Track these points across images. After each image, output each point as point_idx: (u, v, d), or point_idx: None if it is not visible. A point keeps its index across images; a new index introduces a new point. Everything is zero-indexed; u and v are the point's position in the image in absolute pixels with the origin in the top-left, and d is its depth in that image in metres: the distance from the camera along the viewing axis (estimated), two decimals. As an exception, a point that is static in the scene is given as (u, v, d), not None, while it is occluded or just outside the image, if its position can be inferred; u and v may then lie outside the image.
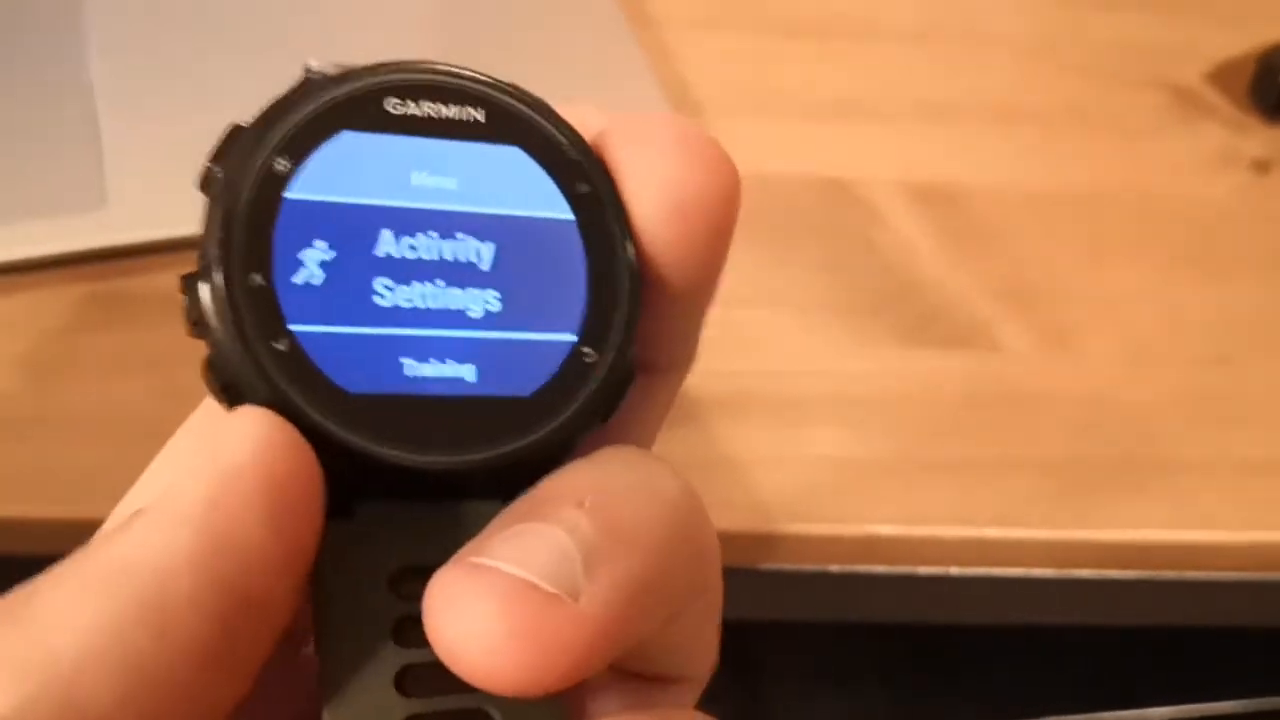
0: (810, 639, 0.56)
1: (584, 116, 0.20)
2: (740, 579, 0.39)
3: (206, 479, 0.16)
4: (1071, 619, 0.42)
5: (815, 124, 0.50)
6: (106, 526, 0.17)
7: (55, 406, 0.38)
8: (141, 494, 0.18)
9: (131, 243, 0.40)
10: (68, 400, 0.38)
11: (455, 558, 0.16)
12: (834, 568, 0.39)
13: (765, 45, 0.53)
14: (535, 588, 0.15)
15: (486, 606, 0.15)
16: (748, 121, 0.49)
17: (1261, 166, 0.51)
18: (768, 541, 0.38)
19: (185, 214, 0.44)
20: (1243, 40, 0.55)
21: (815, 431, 0.40)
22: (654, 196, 0.18)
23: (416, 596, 0.17)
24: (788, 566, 0.39)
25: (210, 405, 0.18)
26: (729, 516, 0.38)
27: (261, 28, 0.48)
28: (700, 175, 0.18)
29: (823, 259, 0.45)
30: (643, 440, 0.21)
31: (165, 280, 0.40)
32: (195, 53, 0.46)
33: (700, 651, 0.19)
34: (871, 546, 0.38)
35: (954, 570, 0.39)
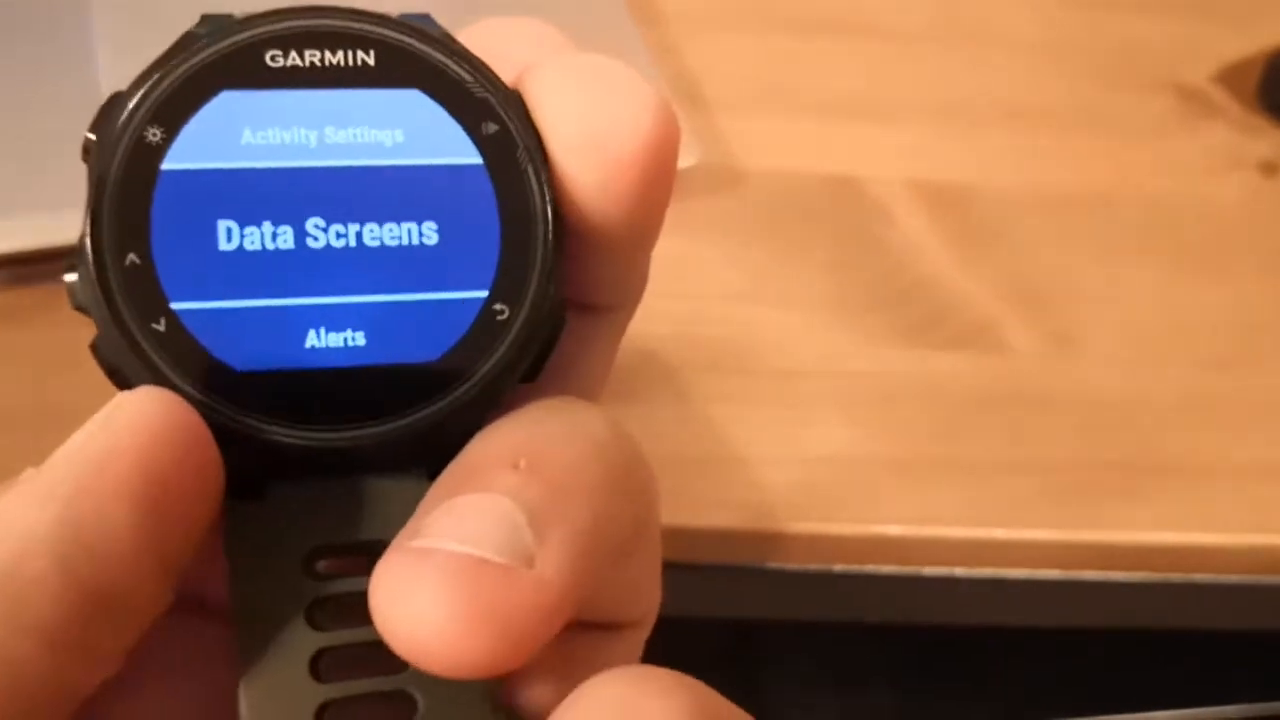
0: (814, 638, 0.56)
1: (525, 34, 0.19)
2: (744, 577, 0.39)
3: (78, 461, 0.15)
4: (1077, 620, 0.41)
5: (824, 122, 0.50)
6: None
7: (56, 401, 0.38)
8: None
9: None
10: (69, 395, 0.38)
11: (396, 541, 0.15)
12: (839, 567, 0.39)
13: (774, 43, 0.52)
14: (488, 563, 0.15)
15: (441, 591, 0.14)
16: (756, 119, 0.49)
17: (1269, 168, 0.51)
18: (772, 540, 0.38)
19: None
20: (1251, 41, 0.55)
21: (821, 430, 0.40)
22: (569, 129, 0.17)
23: (331, 577, 0.16)
24: (792, 566, 0.39)
25: None
26: (734, 514, 0.38)
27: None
28: (619, 108, 0.17)
29: (831, 257, 0.45)
30: (591, 381, 0.20)
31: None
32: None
33: (645, 592, 0.19)
34: (877, 546, 0.38)
35: (959, 571, 0.39)
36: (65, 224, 0.40)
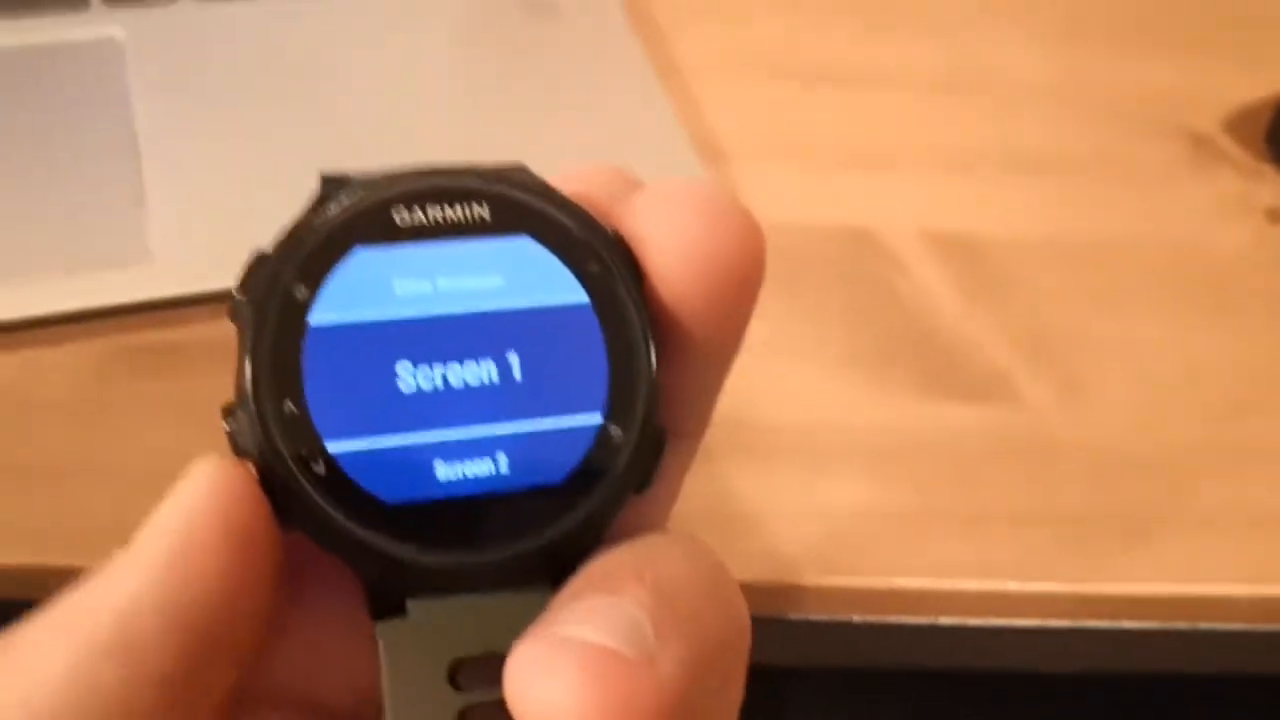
0: (834, 685, 0.57)
1: (599, 179, 0.20)
2: (766, 628, 0.40)
3: (169, 527, 0.17)
4: (1087, 667, 0.42)
5: (838, 172, 0.51)
6: None
7: (97, 457, 0.39)
8: None
9: (174, 296, 0.41)
10: (109, 451, 0.39)
11: (532, 630, 0.17)
12: (857, 618, 0.40)
13: (790, 94, 0.54)
14: (619, 654, 0.16)
15: (574, 676, 0.16)
16: (772, 169, 0.50)
17: (1276, 215, 0.51)
18: (793, 593, 0.39)
19: (228, 268, 0.45)
20: (1259, 87, 0.56)
21: (837, 483, 0.41)
22: (674, 259, 0.19)
23: (475, 687, 0.18)
24: (812, 616, 0.40)
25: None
26: (754, 567, 0.39)
27: (304, 83, 0.49)
28: (721, 237, 0.19)
29: (846, 308, 0.46)
30: (664, 502, 0.21)
31: (207, 333, 0.42)
32: (239, 107, 0.47)
33: (734, 695, 0.20)
34: (894, 599, 0.39)
35: (974, 621, 0.40)
36: (104, 284, 0.41)
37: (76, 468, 0.39)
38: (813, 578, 0.39)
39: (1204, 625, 0.40)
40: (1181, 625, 0.40)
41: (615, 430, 0.19)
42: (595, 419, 0.19)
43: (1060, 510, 0.41)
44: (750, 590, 0.40)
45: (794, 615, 0.40)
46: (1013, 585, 0.39)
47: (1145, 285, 0.49)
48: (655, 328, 0.19)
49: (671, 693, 0.16)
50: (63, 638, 0.16)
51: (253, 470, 0.18)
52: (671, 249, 0.19)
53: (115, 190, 0.44)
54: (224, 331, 0.44)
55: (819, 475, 0.41)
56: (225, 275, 0.42)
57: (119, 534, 0.38)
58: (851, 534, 0.40)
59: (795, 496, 0.41)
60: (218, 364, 0.40)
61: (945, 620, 0.40)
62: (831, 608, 0.40)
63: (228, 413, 0.18)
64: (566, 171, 0.20)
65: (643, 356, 0.19)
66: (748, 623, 0.19)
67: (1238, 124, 0.55)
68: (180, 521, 0.17)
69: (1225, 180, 0.53)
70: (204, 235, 0.42)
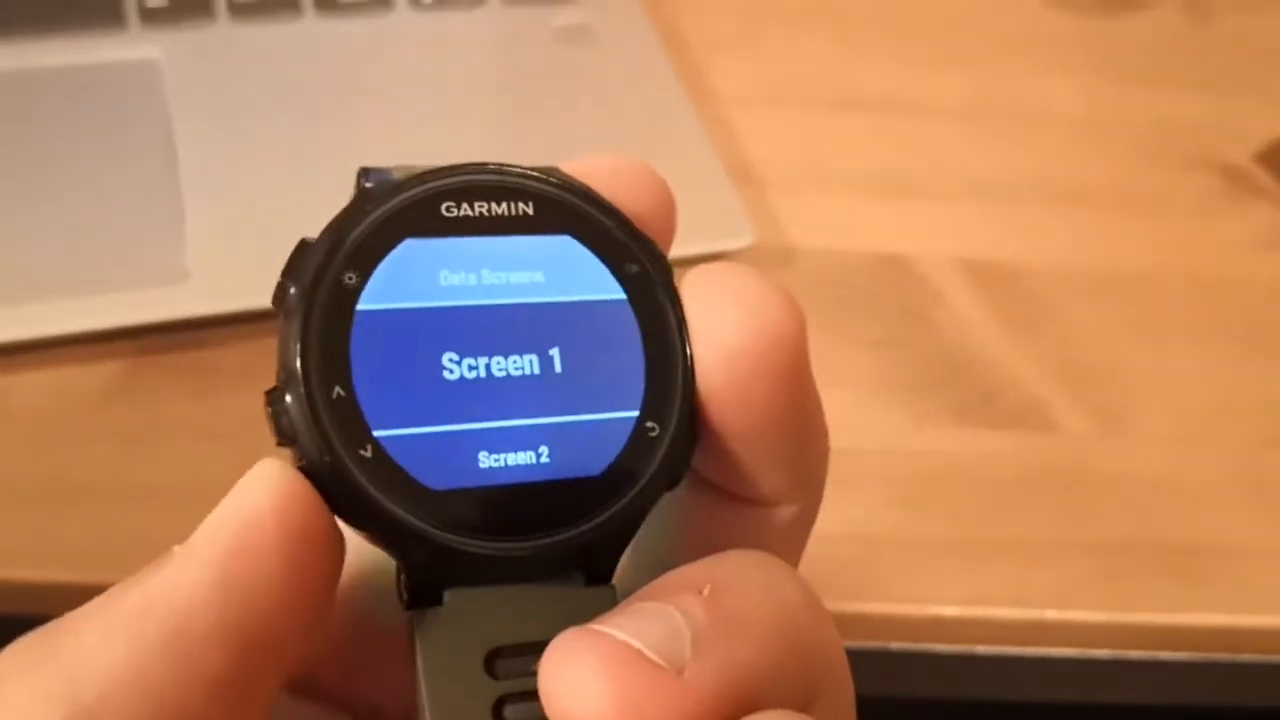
0: (867, 715, 0.56)
1: (638, 181, 0.21)
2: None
3: (226, 529, 0.17)
4: (1126, 698, 0.42)
5: (873, 200, 0.51)
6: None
7: (136, 476, 0.39)
8: None
9: (213, 314, 0.41)
10: (148, 470, 0.39)
11: (574, 627, 0.17)
12: (894, 645, 0.39)
13: (825, 121, 0.54)
14: (641, 655, 0.16)
15: (594, 667, 0.16)
16: (807, 197, 0.50)
17: (1312, 248, 0.51)
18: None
19: (266, 286, 0.45)
20: (1292, 120, 0.56)
21: (873, 509, 0.41)
22: (709, 348, 0.19)
23: (512, 675, 0.18)
24: (847, 644, 0.39)
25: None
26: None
27: (341, 104, 0.49)
28: (753, 327, 0.19)
29: (881, 335, 0.46)
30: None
31: (245, 351, 0.42)
32: (276, 128, 0.47)
33: None
34: (931, 626, 0.39)
35: (1012, 650, 0.39)
36: (142, 302, 0.41)
37: (112, 485, 0.39)
38: (847, 604, 0.39)
39: (1245, 657, 0.40)
40: (1222, 657, 0.40)
41: (652, 426, 0.19)
42: (633, 414, 0.19)
43: (1098, 540, 0.41)
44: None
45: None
46: (1051, 613, 0.39)
47: (1180, 316, 0.49)
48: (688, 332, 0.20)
49: (692, 706, 0.16)
50: (116, 635, 0.16)
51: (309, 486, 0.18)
52: (705, 337, 0.19)
53: (154, 209, 0.44)
54: (260, 351, 0.44)
55: (854, 501, 0.41)
56: (263, 294, 0.42)
57: (153, 551, 0.38)
58: (887, 560, 0.40)
59: (830, 521, 0.40)
60: (253, 383, 0.40)
61: (982, 649, 0.39)
62: (867, 635, 0.39)
63: (272, 396, 0.18)
64: (588, 163, 0.21)
65: (679, 356, 0.20)
66: (834, 657, 0.19)
67: (1271, 157, 0.55)
68: (238, 521, 0.17)
69: (1260, 213, 0.53)
70: (242, 254, 0.43)
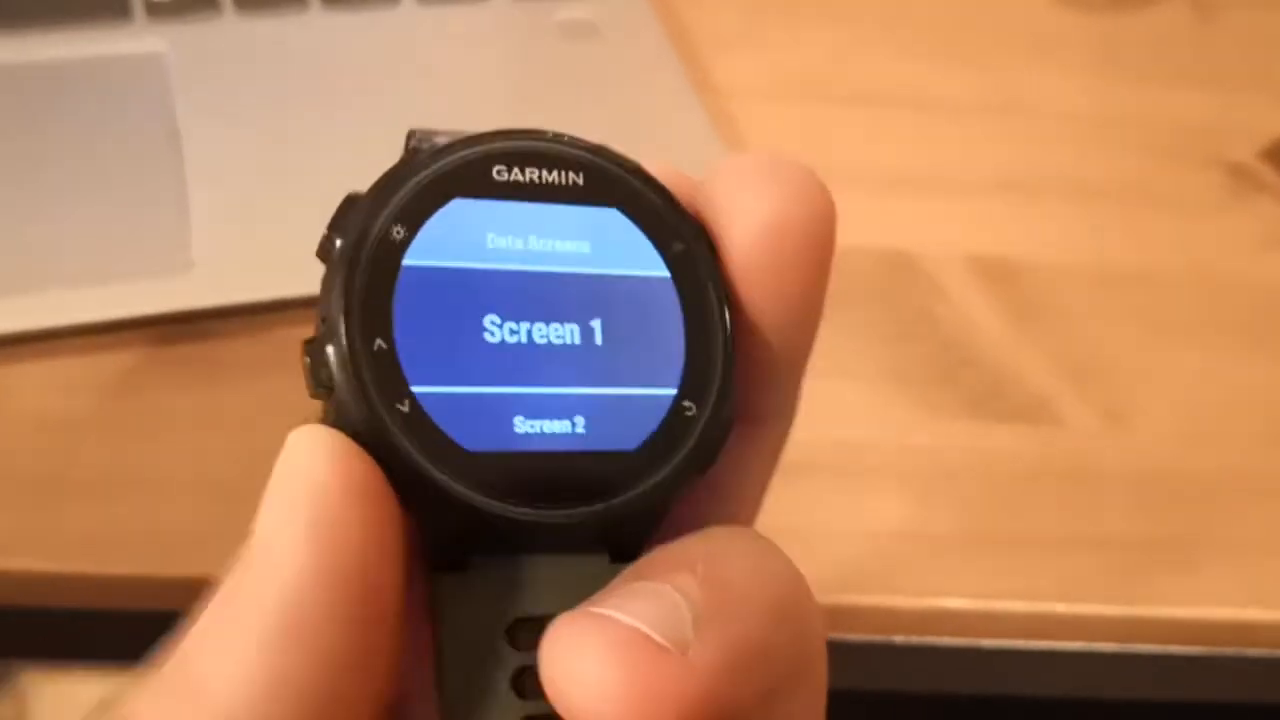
0: (874, 708, 0.56)
1: (673, 174, 0.21)
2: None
3: (302, 499, 0.16)
4: (1132, 693, 0.42)
5: (880, 196, 0.51)
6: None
7: (140, 467, 0.39)
8: None
9: (217, 305, 0.41)
10: (152, 461, 0.39)
11: (576, 609, 0.17)
12: (899, 639, 0.39)
13: (831, 117, 0.54)
14: (648, 638, 0.16)
15: (600, 652, 0.16)
16: (811, 193, 0.50)
17: (1318, 245, 0.51)
18: (833, 612, 0.39)
19: (271, 278, 0.45)
20: (1298, 118, 0.56)
21: (879, 503, 0.41)
22: (748, 229, 0.19)
23: (532, 646, 0.17)
24: (852, 637, 0.39)
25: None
26: (796, 586, 0.38)
27: (346, 98, 0.49)
28: (792, 203, 0.19)
29: (887, 331, 0.46)
30: (751, 492, 0.22)
31: (250, 343, 0.42)
32: (281, 121, 0.47)
33: None
34: (936, 620, 0.39)
35: (1019, 643, 0.39)
36: (147, 293, 0.41)
37: (117, 476, 0.39)
38: (852, 597, 0.39)
39: (1253, 651, 0.40)
40: (1230, 651, 0.40)
41: (689, 405, 0.19)
42: (670, 392, 0.19)
43: (1105, 534, 0.41)
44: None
45: (834, 636, 0.39)
46: (1059, 607, 0.39)
47: (1186, 312, 0.49)
48: (733, 311, 0.20)
49: (700, 685, 0.16)
50: (238, 644, 0.16)
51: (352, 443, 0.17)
52: (742, 219, 0.19)
53: (159, 201, 0.44)
54: (265, 342, 0.44)
55: (861, 495, 0.41)
56: (268, 285, 0.43)
57: (156, 542, 0.38)
58: (893, 554, 0.40)
59: (837, 516, 0.40)
60: (258, 375, 0.40)
61: (988, 643, 0.39)
62: (872, 628, 0.39)
63: (311, 347, 0.18)
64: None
65: (719, 337, 0.19)
66: (817, 635, 0.19)
67: (1277, 154, 0.55)
68: (309, 492, 0.17)
69: (1265, 210, 0.53)
70: (246, 246, 0.42)
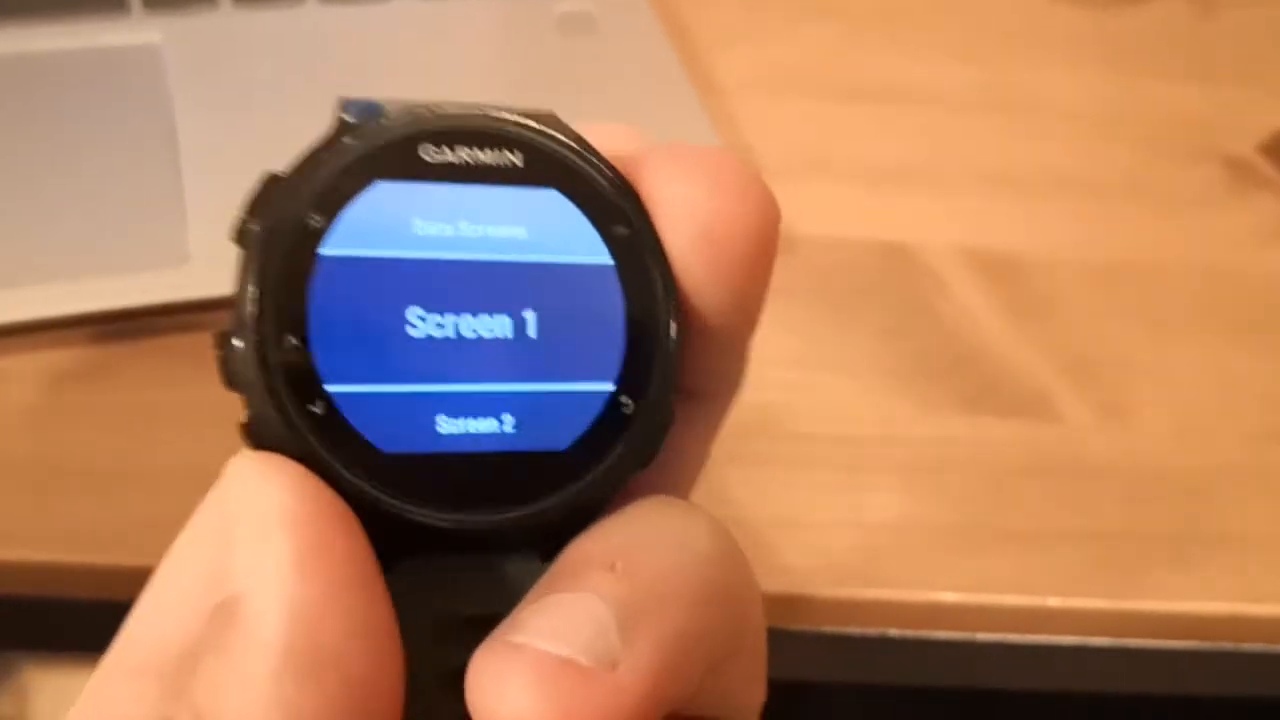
0: (869, 701, 0.56)
1: (616, 138, 0.19)
2: (801, 641, 0.39)
3: (279, 525, 0.16)
4: (1127, 687, 0.42)
5: (878, 190, 0.51)
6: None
7: (135, 459, 0.39)
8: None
9: (213, 297, 0.41)
10: (148, 453, 0.39)
11: (494, 634, 0.16)
12: (894, 632, 0.39)
13: (830, 111, 0.54)
14: (571, 663, 0.15)
15: (524, 686, 0.15)
16: (811, 186, 0.50)
17: (1316, 240, 0.51)
18: (828, 606, 0.39)
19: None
20: (1296, 112, 0.56)
21: (875, 496, 0.41)
22: (683, 225, 0.18)
23: (465, 645, 0.17)
24: (847, 630, 0.39)
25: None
26: (790, 579, 0.38)
27: (344, 86, 0.49)
28: (729, 203, 0.18)
29: (884, 324, 0.46)
30: (686, 468, 0.21)
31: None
32: (277, 113, 0.47)
33: (743, 698, 0.19)
34: (932, 613, 0.39)
35: (1013, 637, 0.39)
36: (142, 285, 0.41)
37: (111, 468, 0.38)
38: (848, 590, 0.39)
39: (1247, 646, 0.40)
40: (1225, 646, 0.40)
41: (626, 402, 0.18)
42: (607, 387, 0.18)
43: (1100, 528, 0.41)
44: (786, 603, 0.39)
45: (830, 628, 0.39)
46: (1054, 601, 0.39)
47: (1183, 307, 0.49)
48: (679, 305, 0.18)
49: (634, 697, 0.15)
50: (256, 694, 0.15)
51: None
52: (677, 214, 0.18)
53: (154, 193, 0.44)
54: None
55: (856, 488, 0.41)
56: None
57: (154, 533, 0.38)
58: (889, 547, 0.40)
59: (833, 508, 0.40)
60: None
61: (984, 636, 0.39)
62: (867, 621, 0.39)
63: (222, 341, 0.17)
64: (584, 128, 0.20)
65: (663, 329, 0.18)
66: (752, 599, 0.18)
67: (1275, 149, 0.55)
68: (280, 523, 0.16)
69: (1263, 204, 0.53)
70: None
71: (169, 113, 0.47)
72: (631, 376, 0.18)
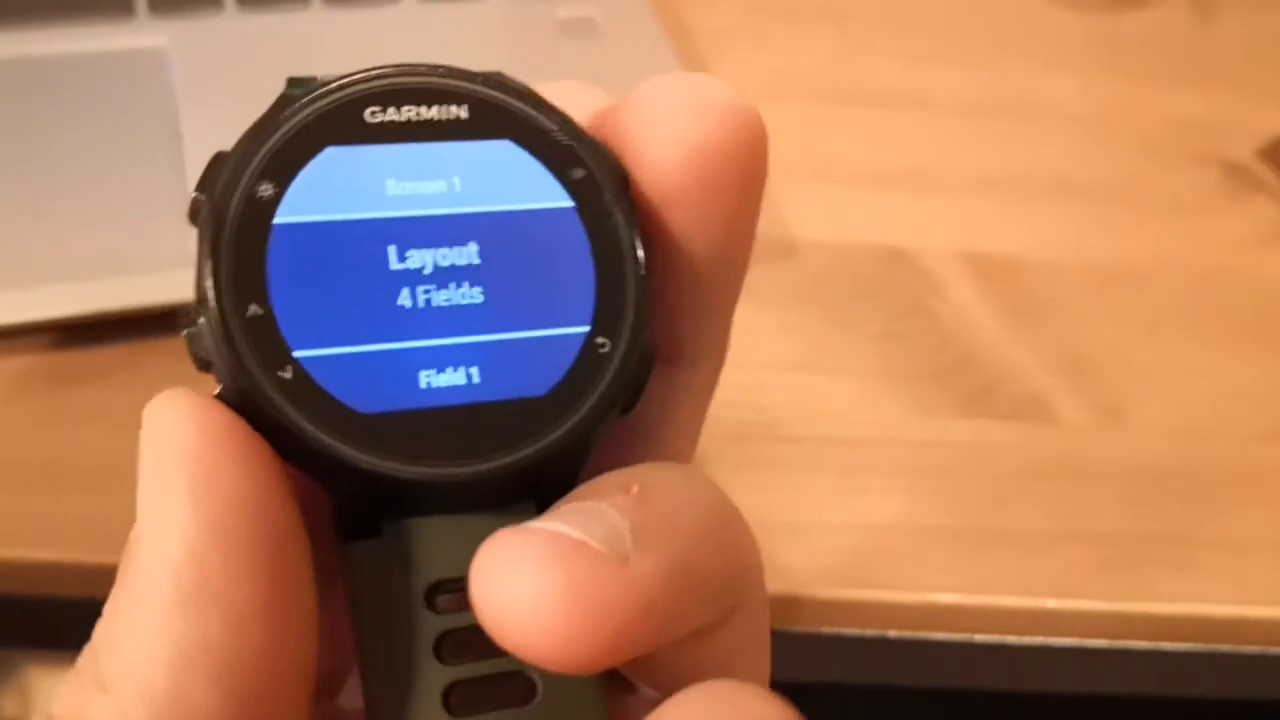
0: (868, 702, 0.57)
1: (577, 95, 0.19)
2: (800, 642, 0.39)
3: (169, 465, 0.16)
4: (1125, 689, 0.42)
5: (877, 194, 0.51)
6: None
7: (134, 460, 0.39)
8: None
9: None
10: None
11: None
12: (893, 633, 0.39)
13: (829, 115, 0.54)
14: (586, 545, 0.15)
15: (538, 561, 0.15)
16: (810, 189, 0.50)
17: (1314, 244, 0.51)
18: (828, 607, 0.39)
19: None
20: (1295, 117, 0.56)
21: (874, 498, 0.41)
22: (673, 150, 0.18)
23: (454, 610, 0.17)
24: (847, 632, 0.39)
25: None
26: (789, 580, 0.39)
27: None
28: (717, 122, 0.18)
29: (882, 327, 0.46)
30: (680, 438, 0.21)
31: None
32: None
33: (749, 663, 0.19)
34: (932, 614, 0.39)
35: (1011, 639, 0.40)
36: (147, 286, 0.41)
37: (114, 467, 0.38)
38: (847, 591, 0.39)
39: (1246, 648, 0.40)
40: (1223, 648, 0.40)
41: (603, 342, 0.18)
42: (582, 330, 0.18)
43: (1098, 530, 0.41)
44: (785, 604, 0.39)
45: (829, 630, 0.39)
46: (1051, 603, 0.39)
47: (1181, 310, 0.49)
48: (646, 236, 0.18)
49: (642, 593, 0.15)
50: (139, 617, 0.15)
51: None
52: (659, 142, 0.18)
53: (158, 195, 0.44)
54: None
55: (855, 489, 0.41)
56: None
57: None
58: (888, 549, 0.40)
59: (831, 510, 0.40)
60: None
61: (982, 638, 0.39)
62: (866, 623, 0.39)
63: (185, 318, 0.17)
64: (547, 87, 0.20)
65: (631, 264, 0.18)
66: (752, 558, 0.18)
67: (1274, 153, 0.55)
68: (177, 454, 0.16)
69: (1261, 209, 0.53)
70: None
71: (174, 115, 0.47)
72: (605, 317, 0.18)
